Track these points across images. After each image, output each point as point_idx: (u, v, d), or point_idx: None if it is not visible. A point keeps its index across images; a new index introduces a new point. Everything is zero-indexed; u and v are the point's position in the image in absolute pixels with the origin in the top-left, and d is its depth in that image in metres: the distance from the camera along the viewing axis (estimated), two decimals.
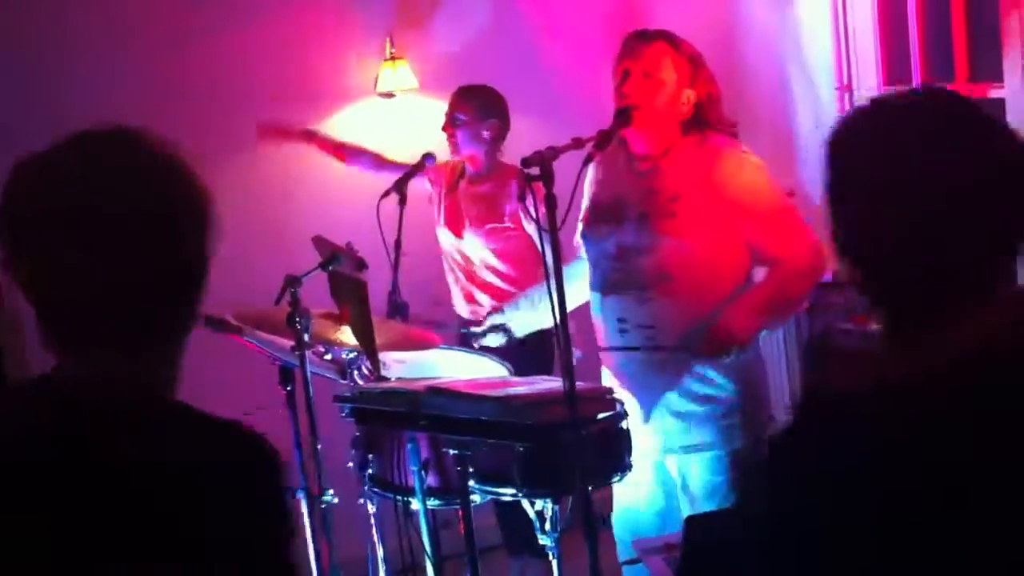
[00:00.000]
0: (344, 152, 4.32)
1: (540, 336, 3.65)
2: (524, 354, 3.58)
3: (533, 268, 3.86)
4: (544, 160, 2.43)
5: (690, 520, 2.30)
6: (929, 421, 1.16)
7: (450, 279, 4.07)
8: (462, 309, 4.01)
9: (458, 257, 3.99)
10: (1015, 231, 1.23)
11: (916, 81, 3.99)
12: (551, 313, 2.42)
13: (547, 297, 2.41)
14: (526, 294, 3.27)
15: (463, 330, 3.80)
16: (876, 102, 1.31)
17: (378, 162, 4.25)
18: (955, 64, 3.86)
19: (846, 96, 4.30)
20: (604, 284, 2.91)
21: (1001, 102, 3.32)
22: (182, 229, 1.31)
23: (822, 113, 4.40)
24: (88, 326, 1.26)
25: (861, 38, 4.26)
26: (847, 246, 1.27)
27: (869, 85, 4.23)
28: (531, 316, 3.17)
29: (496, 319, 3.22)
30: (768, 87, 4.57)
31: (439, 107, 4.02)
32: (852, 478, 1.17)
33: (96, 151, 1.30)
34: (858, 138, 1.27)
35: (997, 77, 3.53)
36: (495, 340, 3.21)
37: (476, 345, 3.24)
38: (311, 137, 4.29)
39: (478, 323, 3.30)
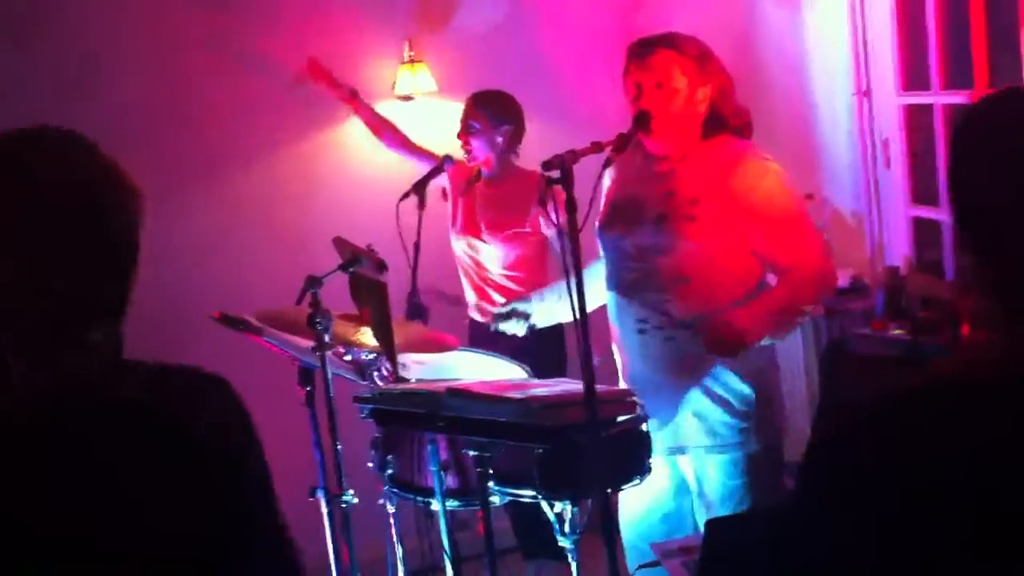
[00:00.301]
0: (379, 125, 4.33)
1: (557, 332, 3.68)
2: (539, 350, 3.61)
3: (546, 272, 3.87)
4: (564, 163, 2.44)
5: (710, 524, 2.30)
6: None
7: (464, 281, 4.08)
8: (477, 313, 4.02)
9: (472, 260, 4.00)
10: None
11: (935, 87, 3.99)
12: (570, 308, 2.42)
13: (582, 299, 2.41)
14: (553, 287, 3.25)
15: (485, 324, 3.82)
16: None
17: (407, 144, 4.28)
18: (974, 70, 3.86)
19: (864, 102, 4.30)
20: (621, 284, 2.91)
21: None
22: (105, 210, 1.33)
23: (840, 118, 4.40)
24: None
25: (879, 43, 4.26)
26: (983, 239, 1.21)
27: (887, 91, 4.23)
28: (554, 308, 3.15)
29: (520, 305, 3.20)
30: (786, 92, 4.57)
31: (458, 110, 4.03)
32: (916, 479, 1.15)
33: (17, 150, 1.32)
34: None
35: (1017, 83, 3.53)
36: (514, 327, 3.17)
37: (493, 329, 3.20)
38: (352, 98, 4.29)
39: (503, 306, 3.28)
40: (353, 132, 4.50)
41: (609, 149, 2.69)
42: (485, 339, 3.54)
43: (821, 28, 4.43)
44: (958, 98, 3.86)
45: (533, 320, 3.19)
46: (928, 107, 4.05)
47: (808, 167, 4.48)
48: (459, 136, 3.94)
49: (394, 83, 4.52)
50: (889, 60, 4.23)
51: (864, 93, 4.29)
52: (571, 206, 2.41)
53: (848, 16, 4.30)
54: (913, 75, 4.18)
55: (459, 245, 4.03)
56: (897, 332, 3.51)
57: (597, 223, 3.00)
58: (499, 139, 3.91)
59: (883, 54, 4.25)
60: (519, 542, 4.04)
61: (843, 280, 3.92)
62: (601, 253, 3.04)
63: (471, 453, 2.62)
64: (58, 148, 1.33)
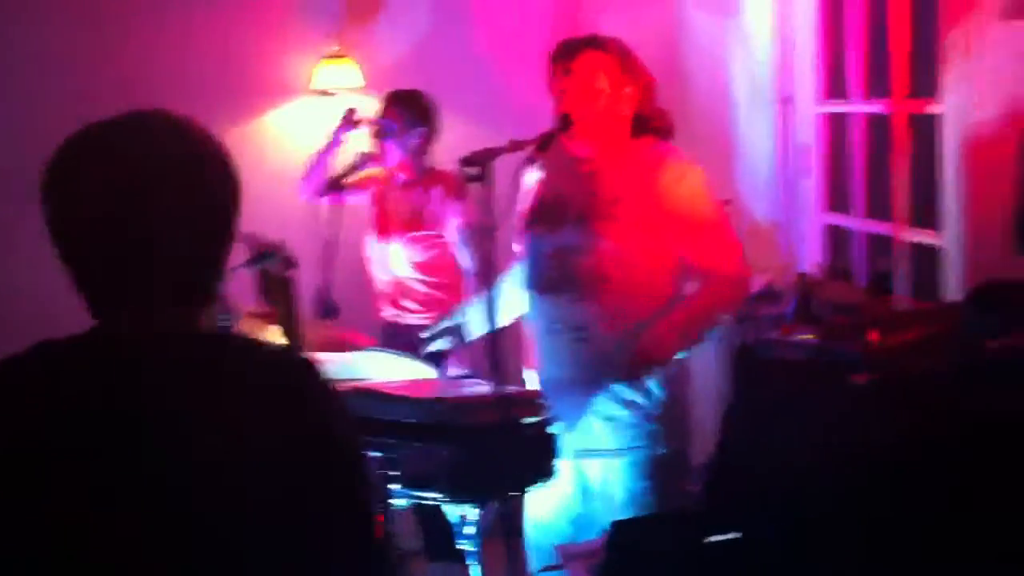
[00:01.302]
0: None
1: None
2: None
3: (460, 274, 3.84)
4: (483, 160, 2.42)
5: (615, 525, 2.28)
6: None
7: (376, 286, 4.02)
8: (388, 314, 3.97)
9: (385, 263, 3.94)
10: None
11: (855, 95, 4.03)
12: (501, 317, 2.41)
13: (495, 302, 2.40)
14: (477, 300, 3.22)
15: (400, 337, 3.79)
16: None
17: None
18: (893, 80, 3.90)
19: (785, 109, 4.33)
20: (539, 283, 2.90)
21: (938, 119, 3.35)
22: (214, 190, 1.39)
23: (761, 125, 4.43)
24: (140, 283, 1.33)
25: (801, 51, 4.30)
26: None
27: (808, 99, 4.27)
28: (480, 321, 3.12)
29: (447, 324, 3.17)
30: (711, 97, 4.59)
31: None
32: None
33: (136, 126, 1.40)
34: None
35: (935, 94, 3.57)
36: (444, 344, 3.15)
37: (423, 351, 3.16)
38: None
39: (428, 327, 3.25)
40: (269, 126, 4.43)
41: (531, 148, 2.68)
42: (397, 339, 3.50)
43: (746, 35, 4.46)
44: (876, 108, 3.90)
45: (464, 334, 3.15)
46: (846, 116, 4.09)
47: (727, 171, 4.50)
48: (373, 137, 3.88)
49: (313, 76, 4.45)
50: (810, 68, 4.27)
51: (785, 100, 4.32)
52: (489, 204, 2.39)
53: (772, 24, 4.33)
54: (833, 84, 4.22)
55: (371, 248, 3.97)
56: (806, 337, 3.53)
57: (520, 222, 2.99)
58: (413, 141, 3.87)
59: (805, 62, 4.29)
60: (425, 544, 3.99)
61: (757, 286, 3.94)
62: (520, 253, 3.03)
63: (376, 454, 2.57)
64: (172, 126, 1.42)
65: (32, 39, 4.09)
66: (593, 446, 2.87)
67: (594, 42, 2.85)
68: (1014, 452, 1.18)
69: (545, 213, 2.93)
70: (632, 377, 2.75)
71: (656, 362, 2.75)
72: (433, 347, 3.16)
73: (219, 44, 4.32)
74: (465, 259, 3.83)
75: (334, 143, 3.98)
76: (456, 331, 3.15)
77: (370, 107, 4.26)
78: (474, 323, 3.13)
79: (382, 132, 3.85)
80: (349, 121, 3.93)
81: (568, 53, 2.84)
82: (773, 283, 3.94)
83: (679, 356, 2.86)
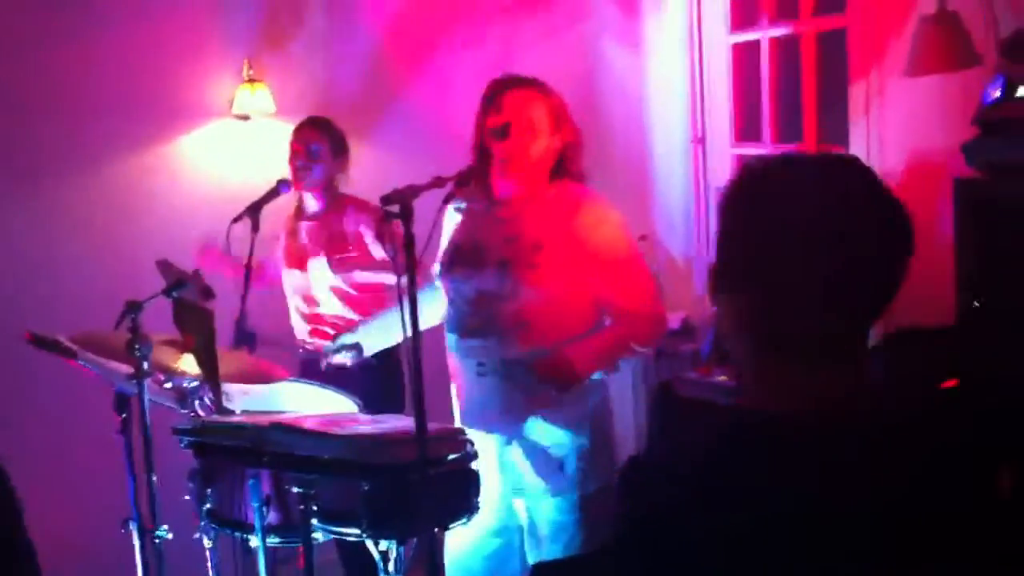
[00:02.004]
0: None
1: (389, 360, 3.63)
2: (374, 378, 3.56)
3: (380, 292, 3.82)
4: (404, 198, 2.41)
5: (536, 568, 2.28)
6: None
7: (293, 313, 3.97)
8: (306, 344, 3.92)
9: (304, 293, 3.89)
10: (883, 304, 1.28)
11: (767, 139, 4.13)
12: (401, 331, 2.40)
13: (399, 322, 2.39)
14: (379, 316, 3.30)
15: (305, 355, 3.76)
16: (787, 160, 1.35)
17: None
18: (804, 125, 4.01)
19: (699, 149, 4.42)
20: (462, 327, 2.89)
21: None
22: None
23: (675, 164, 4.51)
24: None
25: (716, 94, 4.39)
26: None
27: (722, 140, 4.36)
28: (382, 335, 3.19)
29: (348, 338, 3.22)
30: (625, 134, 4.66)
31: None
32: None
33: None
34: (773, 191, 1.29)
35: (842, 140, 3.68)
36: (345, 358, 3.21)
37: (325, 364, 3.21)
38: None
39: (330, 340, 3.31)
40: (188, 148, 4.35)
41: (451, 184, 2.67)
42: (315, 370, 3.46)
43: (661, 74, 4.54)
44: (788, 150, 4.00)
45: (363, 348, 3.23)
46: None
47: (642, 208, 4.57)
48: (296, 160, 3.84)
49: (231, 101, 4.40)
50: (725, 111, 4.36)
51: (699, 140, 4.41)
52: (409, 242, 2.38)
53: (686, 65, 4.42)
54: (747, 126, 4.32)
55: (290, 282, 3.93)
56: (721, 378, 3.61)
57: (439, 264, 2.98)
58: (335, 165, 3.86)
59: (719, 105, 4.39)
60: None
61: (674, 322, 4.01)
62: (436, 282, 3.02)
63: (295, 489, 2.54)
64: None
65: None
66: (521, 484, 2.87)
67: (530, 83, 2.87)
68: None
69: (464, 257, 2.92)
70: (545, 379, 2.73)
71: (572, 371, 2.74)
72: (334, 360, 3.20)
73: (133, 61, 4.22)
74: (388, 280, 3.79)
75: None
76: (357, 346, 3.19)
77: (282, 133, 4.23)
78: (371, 338, 3.17)
79: (311, 153, 3.81)
80: (274, 193, 3.77)
81: (503, 88, 2.85)
82: (689, 319, 4.01)
83: (595, 377, 2.87)
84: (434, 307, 3.01)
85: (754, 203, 1.29)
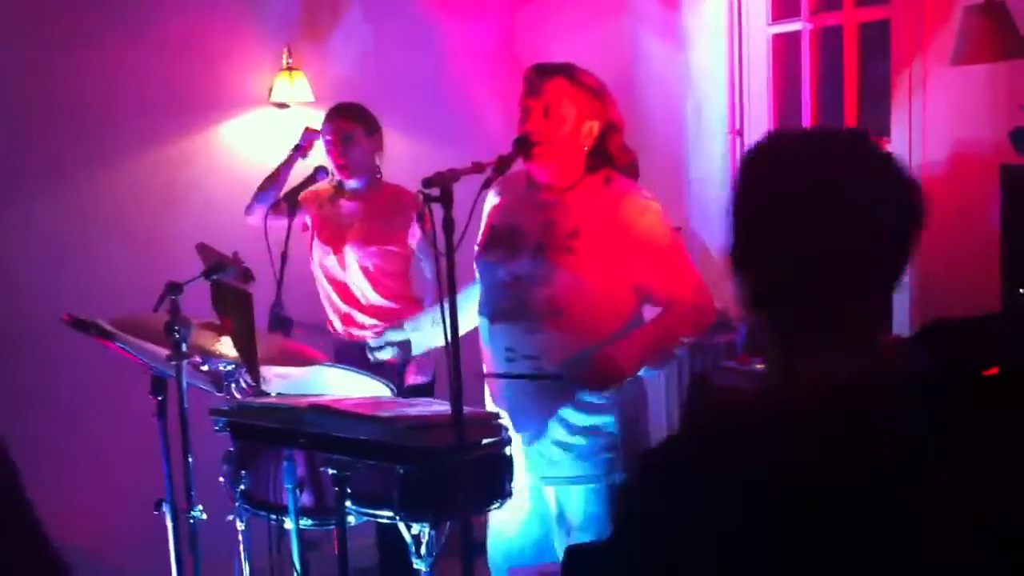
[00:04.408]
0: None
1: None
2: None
3: (409, 286, 3.82)
4: (445, 182, 2.40)
5: (570, 551, 2.28)
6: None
7: (326, 302, 3.97)
8: (339, 329, 3.92)
9: (337, 277, 3.90)
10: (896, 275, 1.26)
11: None
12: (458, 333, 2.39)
13: (455, 319, 2.38)
14: (428, 312, 3.20)
15: (351, 345, 3.76)
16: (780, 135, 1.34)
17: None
18: (844, 116, 3.97)
19: (738, 140, 4.39)
20: (494, 311, 2.88)
21: None
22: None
23: (714, 156, 4.48)
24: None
25: (755, 85, 4.36)
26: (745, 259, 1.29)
27: (761, 131, 4.33)
28: (429, 335, 3.09)
29: (395, 335, 3.15)
30: (663, 127, 4.64)
31: None
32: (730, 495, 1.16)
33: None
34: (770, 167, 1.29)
35: (884, 130, 3.64)
36: (390, 354, 3.14)
37: (371, 358, 3.16)
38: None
39: (376, 336, 3.25)
40: (223, 137, 4.38)
41: (490, 170, 2.66)
42: (349, 354, 3.46)
43: (700, 66, 4.51)
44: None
45: (410, 347, 3.15)
46: None
47: (680, 200, 4.54)
48: (334, 147, 3.84)
49: (271, 89, 4.42)
50: (764, 103, 4.33)
51: (738, 132, 4.38)
52: (449, 226, 2.37)
53: (725, 57, 4.39)
54: (786, 117, 4.29)
55: (321, 260, 3.93)
56: (759, 366, 3.58)
57: (476, 247, 2.97)
58: (370, 151, 3.86)
59: (758, 96, 4.35)
60: (381, 561, 3.94)
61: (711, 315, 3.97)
62: (477, 277, 3.01)
63: (330, 471, 2.54)
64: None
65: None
66: (551, 473, 2.86)
67: (566, 70, 2.84)
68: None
69: (501, 240, 2.90)
70: (593, 385, 2.72)
71: (619, 370, 2.71)
72: (380, 356, 3.14)
73: (174, 53, 4.26)
74: (427, 271, 3.81)
75: (293, 159, 3.93)
76: (404, 343, 3.14)
77: (320, 121, 4.24)
78: (422, 336, 3.12)
79: (347, 140, 3.81)
80: (308, 145, 3.87)
81: (539, 76, 2.84)
82: (725, 312, 3.98)
83: (640, 374, 2.83)
84: (473, 308, 2.97)
85: (759, 177, 1.28)
